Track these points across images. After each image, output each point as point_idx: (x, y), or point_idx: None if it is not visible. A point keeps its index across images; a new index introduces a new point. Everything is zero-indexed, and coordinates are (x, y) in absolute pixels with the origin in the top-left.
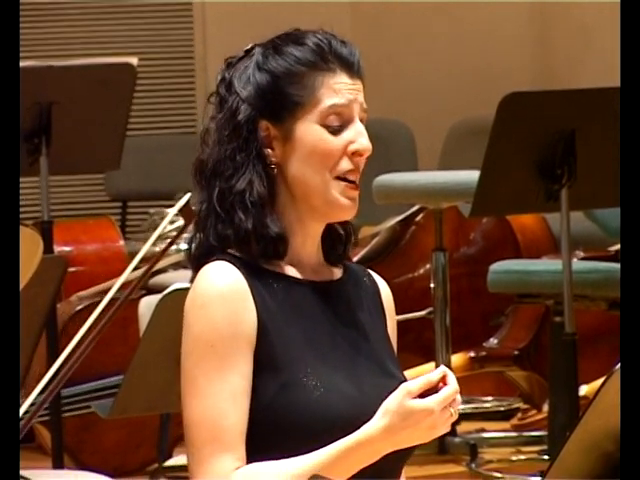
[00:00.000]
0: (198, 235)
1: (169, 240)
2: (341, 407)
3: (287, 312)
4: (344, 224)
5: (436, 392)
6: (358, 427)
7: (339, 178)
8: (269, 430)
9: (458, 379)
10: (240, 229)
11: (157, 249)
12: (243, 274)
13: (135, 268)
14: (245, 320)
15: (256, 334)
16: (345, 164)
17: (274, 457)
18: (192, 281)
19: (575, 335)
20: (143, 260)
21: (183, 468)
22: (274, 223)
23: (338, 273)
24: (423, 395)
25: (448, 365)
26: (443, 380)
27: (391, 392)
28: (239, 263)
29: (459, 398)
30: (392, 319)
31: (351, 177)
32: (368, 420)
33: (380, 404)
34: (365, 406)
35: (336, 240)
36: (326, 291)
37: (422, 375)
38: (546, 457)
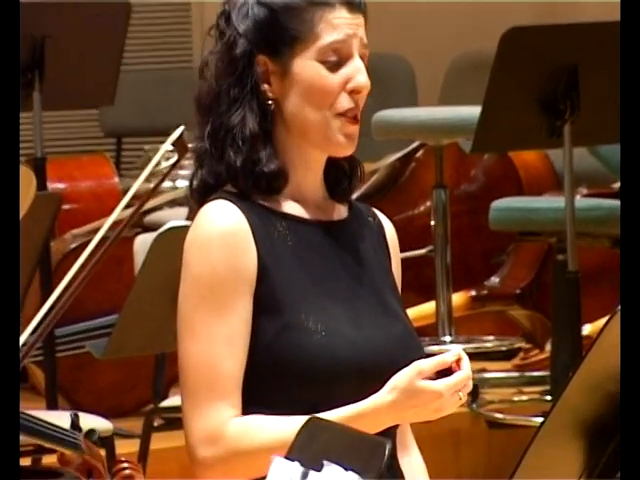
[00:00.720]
0: (198, 172)
1: (162, 176)
2: (343, 351)
3: (289, 252)
4: (349, 158)
5: (448, 373)
6: (361, 371)
7: (339, 115)
8: (268, 373)
9: (458, 318)
10: (230, 166)
11: (151, 186)
12: (244, 213)
13: (128, 206)
14: (246, 262)
15: (256, 276)
16: (344, 101)
17: (273, 402)
18: (190, 218)
19: (578, 273)
20: (136, 197)
21: (179, 409)
22: (270, 159)
23: (343, 212)
24: (435, 376)
25: (449, 304)
26: (457, 363)
27: (394, 333)
28: (240, 201)
29: (470, 384)
30: (397, 259)
31: (351, 113)
32: (370, 364)
33: (382, 346)
34: (368, 350)
35: (340, 175)
36: (330, 231)
37: (423, 313)
38: (548, 398)
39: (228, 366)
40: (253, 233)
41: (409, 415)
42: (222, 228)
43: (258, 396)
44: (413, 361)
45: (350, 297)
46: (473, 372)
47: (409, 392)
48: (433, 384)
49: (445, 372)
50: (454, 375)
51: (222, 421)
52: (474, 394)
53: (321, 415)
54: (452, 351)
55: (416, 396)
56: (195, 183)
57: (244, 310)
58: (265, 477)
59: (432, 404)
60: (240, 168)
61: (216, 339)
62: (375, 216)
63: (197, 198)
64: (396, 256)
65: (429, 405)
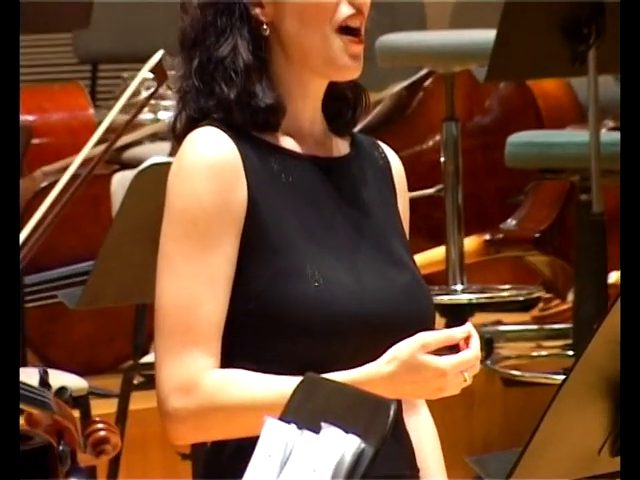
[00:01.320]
0: (182, 113)
1: (140, 106)
2: (343, 302)
3: (284, 190)
4: (352, 85)
5: (455, 351)
6: (362, 326)
7: (341, 30)
8: (258, 324)
9: (471, 265)
10: (222, 100)
11: (128, 117)
12: (235, 143)
13: (104, 140)
14: (235, 197)
15: (246, 214)
16: (345, 9)
17: (262, 358)
18: (174, 154)
19: (603, 215)
20: (112, 130)
21: None
22: (265, 92)
23: (344, 147)
24: (440, 350)
25: (460, 249)
26: (466, 340)
27: (400, 283)
28: (230, 130)
29: (478, 366)
30: (404, 198)
31: (354, 23)
32: (374, 318)
33: (386, 298)
34: (371, 301)
35: (342, 105)
36: (330, 168)
37: (431, 259)
38: (570, 353)
39: (208, 310)
40: (244, 165)
41: (407, 391)
42: (210, 158)
43: (245, 351)
44: (421, 315)
45: (351, 243)
46: (487, 324)
47: (409, 365)
48: (437, 360)
49: (451, 349)
50: (461, 353)
51: (198, 370)
52: (488, 349)
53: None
54: (461, 327)
55: (417, 371)
56: (179, 124)
57: (230, 250)
58: (242, 438)
59: (433, 382)
60: (234, 102)
61: (196, 278)
62: (381, 150)
63: (181, 136)
64: (404, 196)
65: (430, 383)
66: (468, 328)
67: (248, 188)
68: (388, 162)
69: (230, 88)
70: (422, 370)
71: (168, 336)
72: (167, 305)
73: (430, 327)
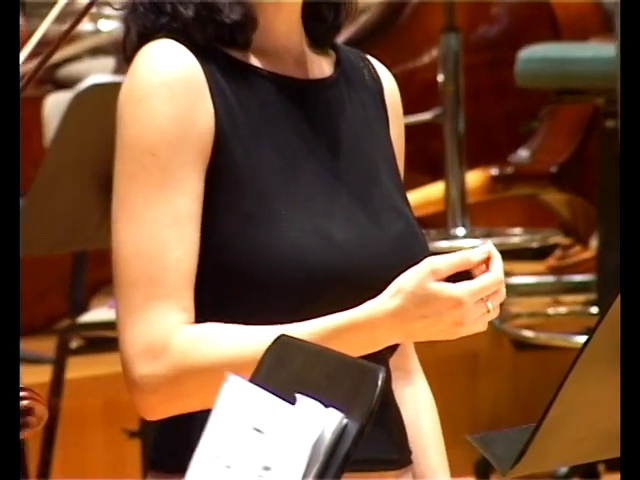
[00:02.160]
0: (130, 31)
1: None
2: (325, 254)
3: (256, 117)
4: None
5: (470, 278)
6: (347, 281)
7: None
8: (227, 277)
9: (475, 205)
10: (177, 17)
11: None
12: (197, 59)
13: (35, 54)
14: (199, 121)
15: (212, 142)
16: None
17: (234, 315)
18: (120, 72)
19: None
20: (45, 44)
21: (104, 325)
22: (233, 7)
23: (328, 68)
24: (454, 279)
25: (462, 186)
26: (486, 262)
27: (392, 231)
28: (193, 44)
29: (503, 292)
30: (398, 126)
31: None
32: (360, 272)
33: (374, 249)
34: (357, 253)
35: (324, 10)
36: (310, 92)
37: (427, 198)
38: (594, 310)
39: (176, 256)
40: (209, 84)
41: (417, 329)
42: (168, 74)
43: (210, 308)
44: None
45: (334, 183)
46: None
47: (418, 297)
48: (451, 287)
49: (467, 276)
50: (481, 277)
51: (167, 328)
52: None
53: (294, 326)
54: (479, 248)
55: (427, 303)
56: (128, 44)
57: (197, 185)
58: (201, 414)
59: (449, 315)
60: (193, 19)
61: (160, 221)
62: (371, 67)
63: (132, 57)
64: (398, 123)
65: (444, 316)
66: (488, 248)
67: (215, 110)
68: (379, 82)
69: (187, 6)
70: (434, 301)
71: (130, 291)
72: (127, 255)
73: None
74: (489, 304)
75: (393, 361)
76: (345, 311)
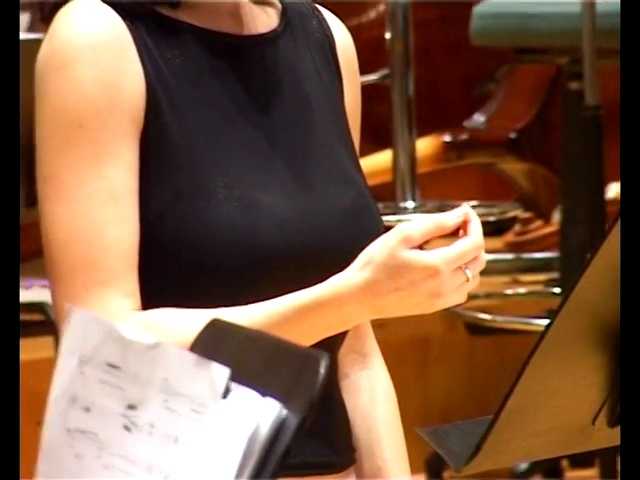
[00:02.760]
0: None
1: None
2: (262, 227)
3: (187, 80)
4: None
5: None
6: (292, 260)
7: None
8: (164, 256)
9: (426, 175)
10: None
11: None
12: (123, 17)
13: None
14: (128, 86)
15: (144, 108)
16: None
17: (176, 299)
18: (35, 29)
19: (600, 109)
20: None
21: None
22: None
23: (272, 21)
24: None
25: (411, 155)
26: (463, 227)
27: (342, 203)
28: (116, 2)
29: (484, 258)
30: (353, 85)
31: None
32: (307, 250)
33: (321, 223)
34: (297, 227)
35: None
36: (248, 50)
37: (374, 167)
38: (557, 290)
39: (115, 236)
40: (137, 46)
41: (390, 303)
42: (92, 36)
43: (157, 292)
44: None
45: (277, 150)
46: None
47: (390, 268)
48: (425, 255)
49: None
50: (458, 242)
51: (112, 317)
52: None
53: (251, 308)
54: (455, 210)
55: (400, 273)
56: (46, 1)
57: (131, 157)
58: None
59: (424, 285)
60: None
61: (95, 199)
62: (322, 18)
63: (50, 17)
64: (353, 82)
65: (420, 287)
66: (465, 210)
67: (145, 74)
68: (331, 36)
69: None
70: (407, 271)
71: (69, 278)
72: (62, 238)
73: None
74: (468, 272)
75: (347, 343)
76: (308, 289)
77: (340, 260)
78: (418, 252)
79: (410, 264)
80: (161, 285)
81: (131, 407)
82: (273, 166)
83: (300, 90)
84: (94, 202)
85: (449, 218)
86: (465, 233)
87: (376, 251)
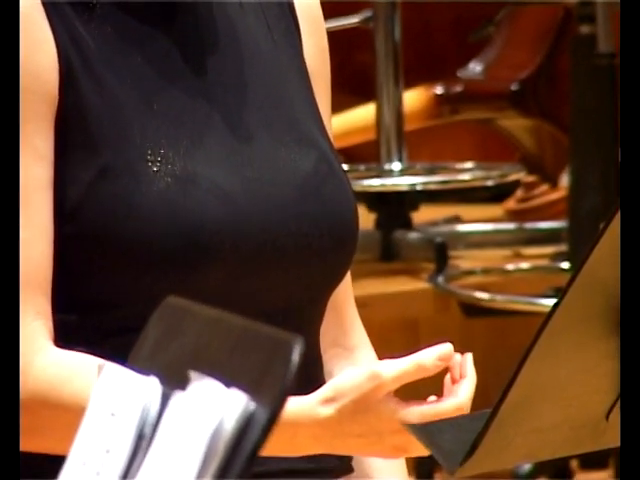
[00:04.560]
0: None
1: None
2: (205, 205)
3: (109, 46)
4: None
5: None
6: (232, 238)
7: None
8: (88, 250)
9: (415, 133)
10: None
11: None
12: None
13: None
14: (40, 63)
15: (58, 80)
16: None
17: (101, 296)
18: None
19: (614, 57)
20: None
21: None
22: None
23: None
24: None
25: (398, 109)
26: (452, 371)
27: (300, 172)
28: None
29: (468, 405)
30: (316, 37)
31: None
32: (250, 226)
33: (276, 197)
34: (248, 203)
35: None
36: (186, 11)
37: (354, 124)
38: (565, 265)
39: (24, 240)
40: (49, 15)
41: (349, 446)
42: None
43: (79, 293)
44: (333, 221)
45: (220, 116)
46: (439, 223)
47: (358, 413)
48: (399, 412)
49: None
50: (437, 405)
51: (29, 342)
52: (441, 260)
53: None
54: (437, 348)
55: (369, 421)
56: None
57: (45, 145)
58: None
59: (390, 439)
60: None
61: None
62: None
63: None
64: (315, 32)
65: (385, 440)
66: (447, 350)
67: (57, 45)
68: None
69: None
70: (376, 421)
71: None
72: None
73: (349, 239)
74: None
75: (329, 335)
76: None
77: (301, 241)
78: (392, 403)
79: (382, 415)
80: (91, 287)
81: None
82: (213, 134)
83: (245, 49)
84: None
85: (428, 361)
86: (453, 380)
87: (345, 389)
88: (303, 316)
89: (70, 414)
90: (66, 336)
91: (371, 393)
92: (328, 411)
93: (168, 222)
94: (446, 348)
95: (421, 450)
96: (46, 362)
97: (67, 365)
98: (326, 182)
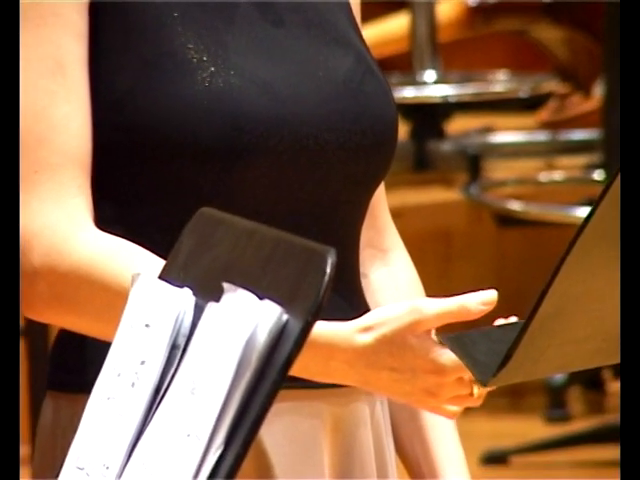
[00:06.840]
0: None
1: None
2: (251, 94)
3: None
4: None
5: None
6: (284, 132)
7: None
8: (129, 143)
9: (449, 44)
10: None
11: None
12: None
13: None
14: None
15: None
16: None
17: (142, 192)
18: None
19: None
20: None
21: None
22: None
23: None
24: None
25: (431, 19)
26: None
27: (339, 70)
28: None
29: (476, 305)
30: None
31: None
32: (293, 120)
33: (317, 93)
34: (289, 96)
35: None
36: None
37: (388, 34)
38: (598, 175)
39: (64, 113)
40: None
41: (380, 380)
42: None
43: (107, 189)
44: (374, 120)
45: (259, 11)
46: (472, 133)
47: (395, 345)
48: (438, 351)
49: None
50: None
51: (68, 218)
52: (474, 171)
53: None
54: (480, 293)
55: (404, 355)
56: None
57: (79, 19)
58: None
59: (423, 379)
60: None
61: (42, 65)
62: None
63: None
64: None
65: (418, 379)
66: (491, 295)
67: None
68: None
69: None
70: (413, 357)
71: (22, 156)
72: (20, 110)
73: (389, 139)
74: (476, 389)
75: (363, 236)
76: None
77: (343, 137)
78: (432, 342)
79: (418, 351)
80: (135, 180)
81: (193, 391)
82: (254, 29)
83: None
84: (40, 70)
85: (472, 303)
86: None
87: (385, 319)
88: (345, 216)
89: (110, 293)
90: (103, 228)
91: (410, 327)
92: (365, 339)
93: (213, 110)
94: (491, 294)
95: (447, 408)
96: (88, 238)
97: (109, 245)
98: (366, 81)
